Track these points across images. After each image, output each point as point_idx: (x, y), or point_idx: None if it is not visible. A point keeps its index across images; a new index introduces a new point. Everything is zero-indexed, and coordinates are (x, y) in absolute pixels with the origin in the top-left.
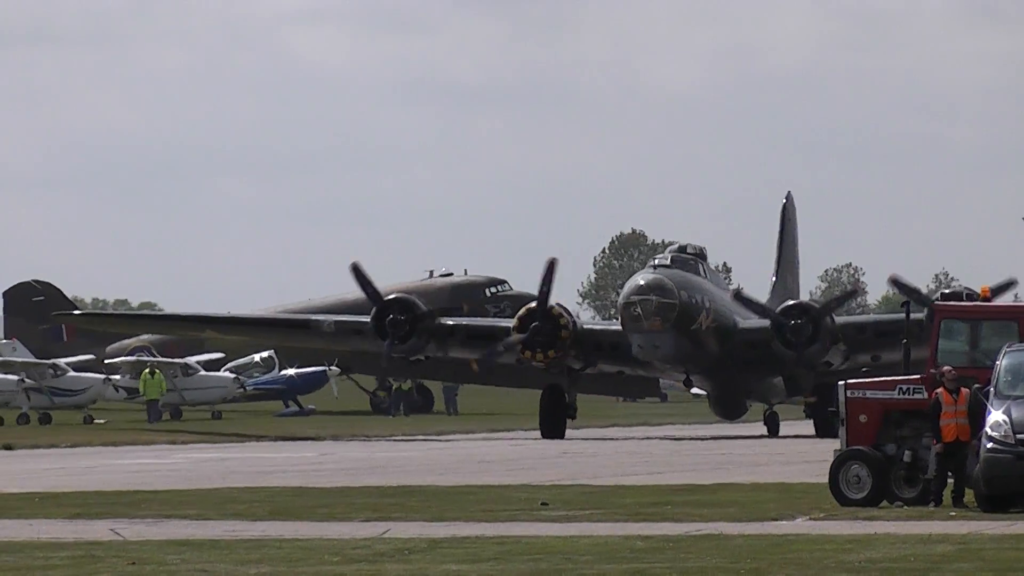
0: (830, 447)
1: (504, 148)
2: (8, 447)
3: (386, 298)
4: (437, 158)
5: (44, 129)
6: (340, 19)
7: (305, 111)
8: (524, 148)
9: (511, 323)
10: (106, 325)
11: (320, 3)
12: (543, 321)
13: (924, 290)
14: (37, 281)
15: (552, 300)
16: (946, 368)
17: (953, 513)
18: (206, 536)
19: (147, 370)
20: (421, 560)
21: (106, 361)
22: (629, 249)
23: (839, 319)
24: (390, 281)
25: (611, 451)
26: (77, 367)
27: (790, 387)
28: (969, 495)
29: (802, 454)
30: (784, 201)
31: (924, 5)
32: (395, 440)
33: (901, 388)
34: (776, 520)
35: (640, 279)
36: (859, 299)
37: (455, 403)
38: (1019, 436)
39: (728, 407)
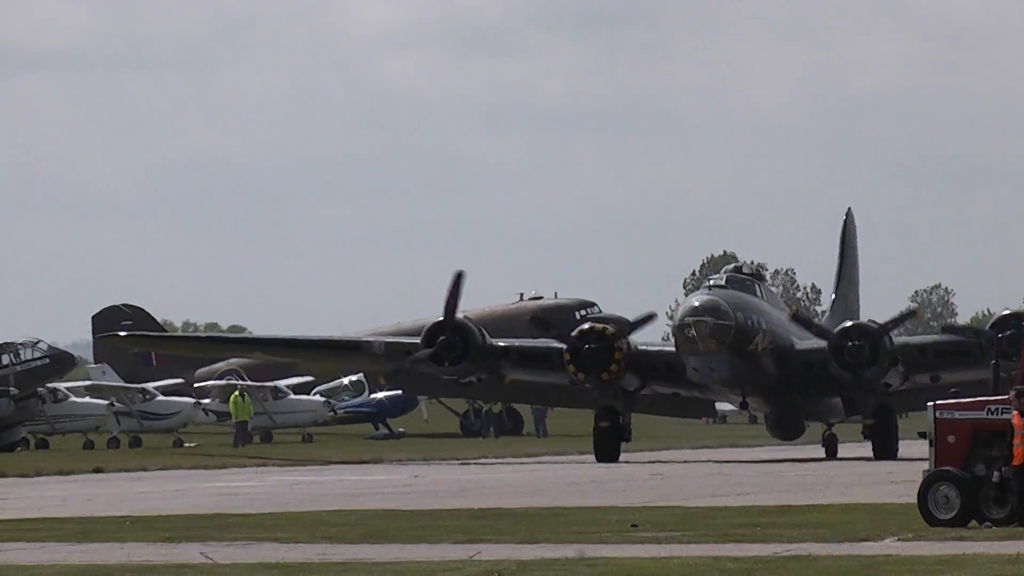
0: (891, 468)
1: (594, 172)
2: (98, 470)
3: (437, 320)
4: (527, 182)
5: (137, 154)
6: (430, 43)
7: (396, 135)
8: (615, 171)
9: (565, 345)
10: (144, 345)
11: (410, 28)
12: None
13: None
14: (126, 305)
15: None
16: (1014, 389)
17: None
18: (296, 559)
19: (236, 393)
20: None
21: (195, 385)
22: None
23: (898, 340)
24: (479, 303)
25: (702, 473)
26: (166, 391)
27: (848, 408)
28: None
29: (890, 475)
30: (844, 218)
31: (1015, 24)
32: (485, 463)
33: (990, 408)
34: (865, 541)
35: (695, 300)
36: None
37: (544, 425)
38: None
39: (786, 428)
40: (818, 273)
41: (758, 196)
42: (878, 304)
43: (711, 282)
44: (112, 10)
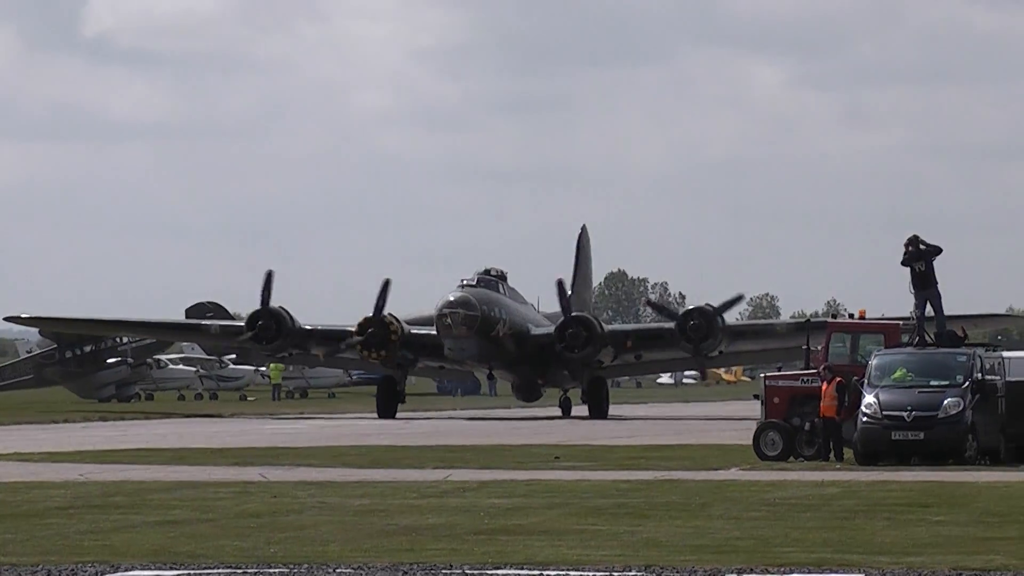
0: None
1: (526, 211)
2: (188, 416)
3: (256, 310)
4: (476, 219)
5: (208, 197)
6: (410, 121)
7: (386, 185)
8: (540, 211)
9: (353, 328)
10: (49, 326)
11: (396, 110)
12: (377, 327)
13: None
14: (210, 302)
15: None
16: (823, 366)
17: (838, 466)
18: (325, 479)
19: (273, 364)
20: (473, 496)
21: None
22: (616, 283)
23: (609, 327)
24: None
25: (605, 424)
26: (236, 361)
27: (573, 379)
28: (849, 454)
29: (733, 424)
30: (579, 233)
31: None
32: (453, 414)
33: (803, 379)
34: (717, 469)
35: (451, 296)
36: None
37: (495, 387)
38: (885, 413)
39: (527, 393)
40: (686, 284)
41: (643, 227)
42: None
43: (464, 282)
44: (188, 94)
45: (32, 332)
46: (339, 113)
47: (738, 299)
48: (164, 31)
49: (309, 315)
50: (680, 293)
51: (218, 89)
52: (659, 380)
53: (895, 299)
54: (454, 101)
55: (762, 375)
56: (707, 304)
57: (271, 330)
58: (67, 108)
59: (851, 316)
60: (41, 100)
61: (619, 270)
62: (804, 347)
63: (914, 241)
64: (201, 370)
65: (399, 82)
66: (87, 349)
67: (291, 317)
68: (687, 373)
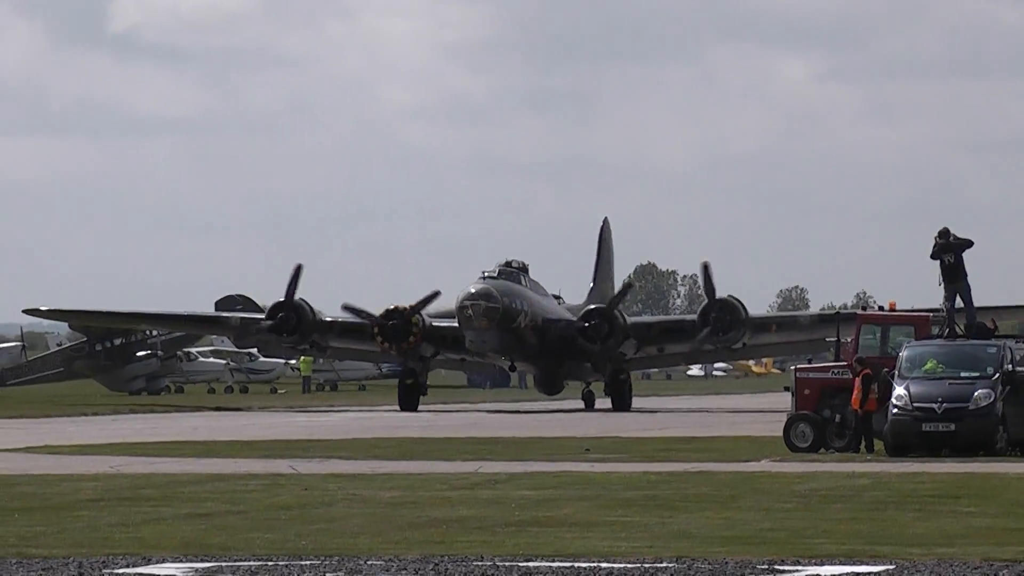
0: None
1: (549, 205)
2: (218, 409)
3: (278, 300)
4: (502, 211)
5: (234, 190)
6: (435, 115)
7: (411, 177)
8: (564, 205)
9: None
10: (68, 319)
11: (422, 105)
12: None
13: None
14: (239, 295)
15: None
16: (855, 359)
17: (869, 457)
18: (355, 471)
19: (303, 357)
20: (504, 487)
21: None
22: (645, 275)
23: (632, 319)
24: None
25: (634, 417)
26: (267, 354)
27: (595, 372)
28: (879, 446)
29: (764, 416)
30: (601, 226)
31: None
32: (484, 406)
33: (834, 371)
34: (747, 461)
35: (472, 288)
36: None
37: (525, 380)
38: (915, 404)
39: (548, 386)
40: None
41: (672, 221)
42: (750, 300)
43: (485, 273)
44: (216, 90)
45: (62, 325)
46: (365, 108)
47: (706, 266)
48: (191, 27)
49: (334, 308)
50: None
51: (244, 85)
52: (689, 372)
53: (924, 291)
54: (479, 96)
55: (792, 367)
56: (729, 295)
57: (291, 322)
58: (94, 103)
59: (881, 308)
60: (68, 95)
61: (649, 263)
62: (835, 339)
63: (944, 234)
64: (231, 363)
65: (424, 77)
66: (117, 342)
67: (312, 309)
68: (717, 365)
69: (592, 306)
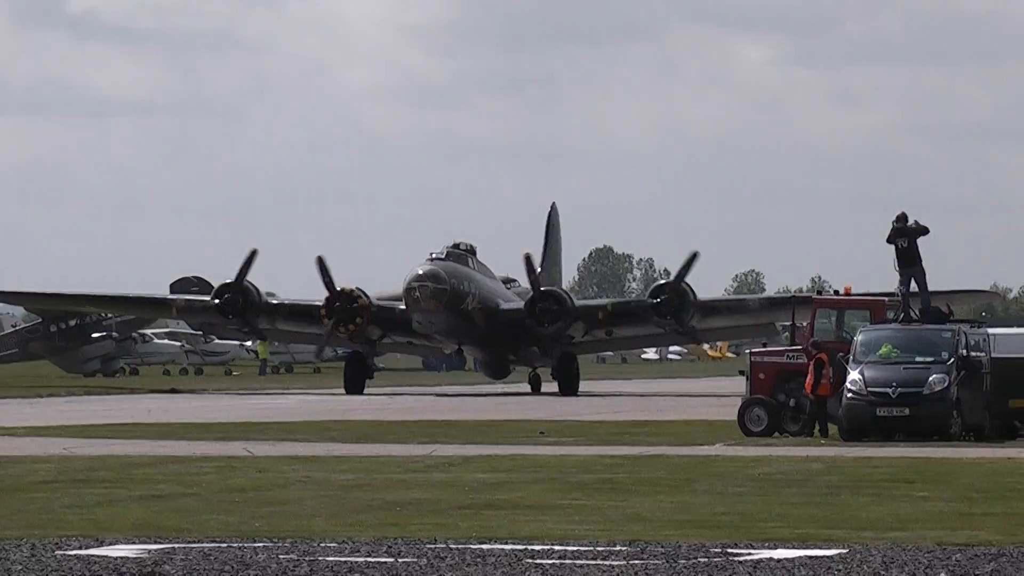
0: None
1: (510, 187)
2: (173, 391)
3: (224, 283)
4: (464, 196)
5: (194, 172)
6: (398, 98)
7: (373, 161)
8: (527, 187)
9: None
10: (7, 300)
11: (384, 87)
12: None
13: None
14: (195, 276)
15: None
16: (810, 344)
17: (823, 442)
18: (310, 453)
19: (260, 340)
20: (458, 470)
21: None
22: (601, 259)
23: (580, 302)
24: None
25: (589, 400)
26: (222, 336)
27: (543, 355)
28: (834, 430)
29: (719, 400)
30: (549, 211)
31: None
32: (438, 390)
33: (788, 355)
34: (702, 445)
35: (419, 269)
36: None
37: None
38: (870, 389)
39: (494, 370)
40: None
41: (630, 204)
42: (705, 283)
43: (432, 255)
44: (175, 71)
45: (18, 307)
46: (325, 90)
47: (694, 257)
48: (150, 8)
49: (289, 291)
50: (665, 269)
51: (204, 66)
52: (644, 356)
53: (880, 276)
54: (441, 79)
55: (748, 351)
56: (675, 278)
57: (237, 303)
58: (52, 84)
59: (836, 292)
60: (26, 76)
61: (605, 246)
62: (790, 323)
63: (902, 218)
64: (186, 345)
65: (385, 60)
66: (72, 323)
67: (258, 292)
68: (672, 349)
69: (542, 288)
